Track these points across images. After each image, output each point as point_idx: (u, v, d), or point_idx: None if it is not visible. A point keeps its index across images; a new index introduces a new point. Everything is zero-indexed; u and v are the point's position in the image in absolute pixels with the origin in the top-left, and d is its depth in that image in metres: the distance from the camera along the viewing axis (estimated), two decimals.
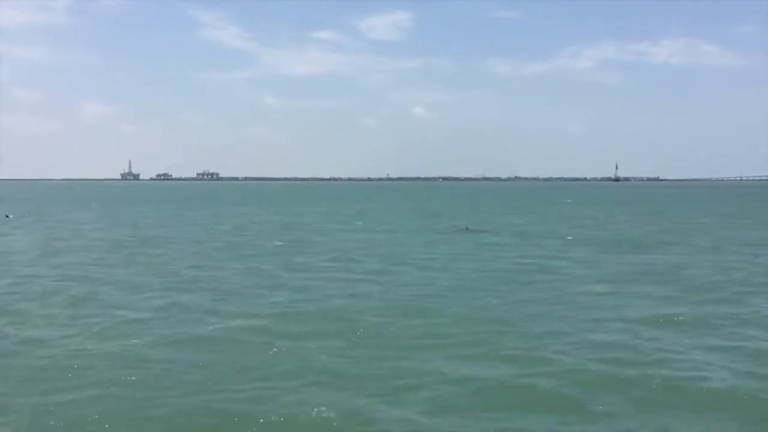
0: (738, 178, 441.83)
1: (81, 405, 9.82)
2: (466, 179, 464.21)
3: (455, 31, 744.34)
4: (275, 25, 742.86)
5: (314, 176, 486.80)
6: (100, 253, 28.20)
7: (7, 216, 52.47)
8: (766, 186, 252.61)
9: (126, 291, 18.86)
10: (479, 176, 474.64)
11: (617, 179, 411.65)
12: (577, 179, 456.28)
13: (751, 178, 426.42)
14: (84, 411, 9.59)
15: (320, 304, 16.87)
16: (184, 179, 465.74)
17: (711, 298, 17.84)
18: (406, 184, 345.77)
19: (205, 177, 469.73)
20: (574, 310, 16.31)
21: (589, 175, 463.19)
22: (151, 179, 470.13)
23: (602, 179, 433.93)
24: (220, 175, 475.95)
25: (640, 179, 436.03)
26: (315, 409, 9.57)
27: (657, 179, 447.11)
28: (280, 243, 32.26)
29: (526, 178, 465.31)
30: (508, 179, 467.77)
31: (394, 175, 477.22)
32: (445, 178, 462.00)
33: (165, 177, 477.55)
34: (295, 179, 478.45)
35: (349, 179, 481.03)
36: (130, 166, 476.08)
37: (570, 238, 34.98)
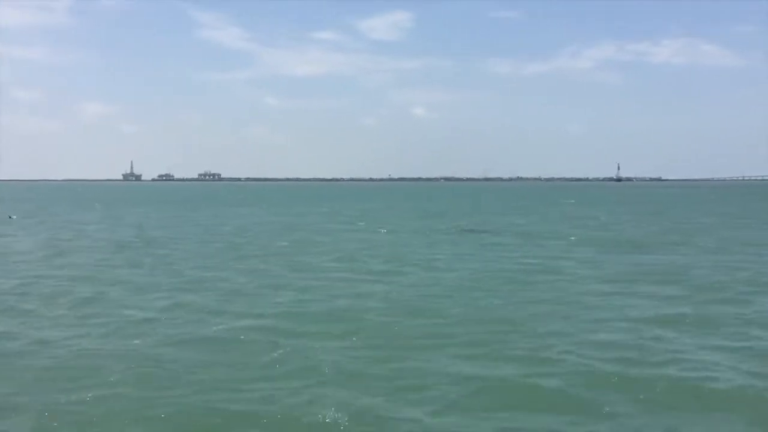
0: (740, 178, 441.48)
1: (87, 405, 9.86)
2: (467, 179, 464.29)
3: (455, 31, 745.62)
4: (275, 26, 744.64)
5: (316, 177, 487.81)
6: (105, 253, 28.28)
7: (10, 217, 52.59)
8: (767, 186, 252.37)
9: (132, 291, 18.93)
10: (481, 176, 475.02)
11: (619, 179, 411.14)
12: (579, 179, 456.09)
13: (752, 178, 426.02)
14: (90, 411, 9.63)
15: (325, 305, 16.92)
16: (186, 180, 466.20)
17: (715, 298, 17.84)
18: (408, 185, 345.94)
19: (207, 177, 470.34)
20: (579, 310, 16.33)
21: (590, 176, 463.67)
22: (153, 180, 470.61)
23: (604, 179, 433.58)
24: (222, 176, 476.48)
25: (642, 179, 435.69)
26: (320, 409, 9.60)
27: (659, 179, 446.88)
28: (285, 243, 32.32)
29: (527, 179, 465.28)
30: (510, 179, 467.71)
31: (395, 176, 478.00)
32: (446, 179, 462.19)
33: (167, 177, 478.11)
34: (297, 180, 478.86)
35: (351, 179, 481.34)
36: (131, 167, 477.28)
37: (573, 238, 34.98)
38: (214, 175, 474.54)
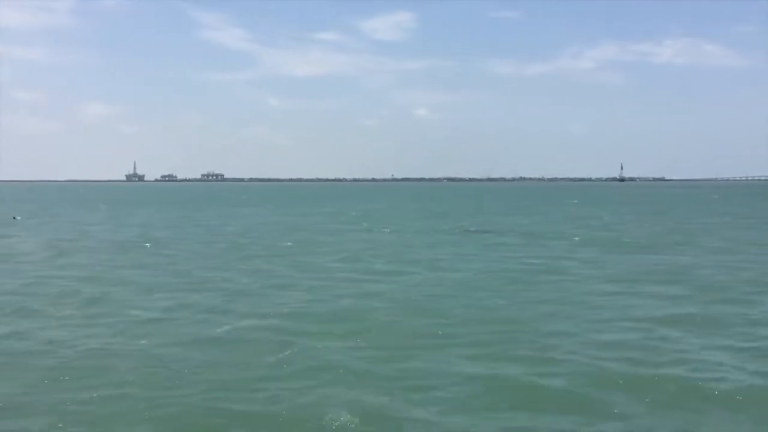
0: (743, 178, 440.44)
1: (94, 404, 9.91)
2: (470, 180, 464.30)
3: (456, 31, 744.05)
4: (276, 26, 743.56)
5: (319, 177, 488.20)
6: (110, 254, 28.36)
7: (14, 218, 52.77)
8: None
9: (137, 292, 19.00)
10: (483, 177, 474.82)
11: (622, 179, 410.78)
12: (582, 180, 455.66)
13: (756, 178, 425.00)
14: (97, 410, 9.69)
15: (330, 305, 16.97)
16: (189, 180, 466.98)
17: (720, 298, 17.83)
18: (411, 185, 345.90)
19: (210, 178, 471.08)
20: (583, 310, 16.34)
21: (593, 176, 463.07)
22: (156, 180, 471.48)
23: (607, 179, 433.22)
24: (225, 176, 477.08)
25: (646, 179, 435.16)
26: (326, 409, 9.62)
27: (662, 179, 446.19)
28: (289, 243, 32.38)
29: (530, 179, 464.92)
30: (513, 180, 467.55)
31: (398, 176, 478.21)
32: (449, 179, 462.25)
33: (170, 178, 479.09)
34: (300, 180, 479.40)
35: (354, 180, 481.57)
36: (134, 168, 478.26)
37: (576, 238, 34.95)
38: (217, 175, 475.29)
